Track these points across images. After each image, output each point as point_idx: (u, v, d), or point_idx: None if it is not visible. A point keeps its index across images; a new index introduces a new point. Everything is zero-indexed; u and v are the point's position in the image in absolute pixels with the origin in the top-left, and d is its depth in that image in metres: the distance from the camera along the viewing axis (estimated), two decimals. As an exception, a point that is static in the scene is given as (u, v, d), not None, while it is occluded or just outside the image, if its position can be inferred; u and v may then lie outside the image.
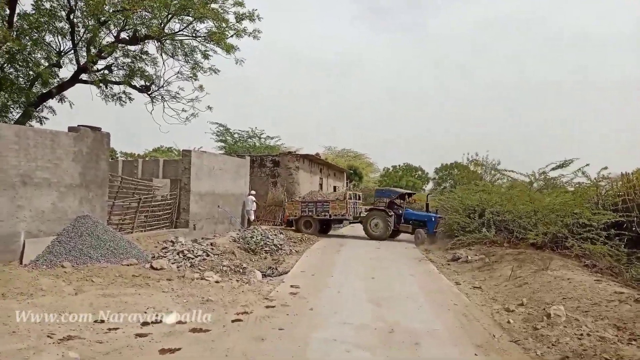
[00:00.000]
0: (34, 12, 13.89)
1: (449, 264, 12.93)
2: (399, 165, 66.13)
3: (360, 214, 21.50)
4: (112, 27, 14.41)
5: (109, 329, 5.95)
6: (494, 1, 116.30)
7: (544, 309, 7.06)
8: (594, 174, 13.91)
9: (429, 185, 61.27)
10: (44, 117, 15.82)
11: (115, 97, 15.95)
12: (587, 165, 13.77)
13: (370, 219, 19.55)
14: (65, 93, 15.43)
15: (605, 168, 13.33)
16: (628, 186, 12.30)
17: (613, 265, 9.99)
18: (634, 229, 11.03)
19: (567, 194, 13.78)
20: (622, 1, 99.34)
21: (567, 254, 11.34)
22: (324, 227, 21.17)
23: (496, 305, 8.17)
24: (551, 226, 12.12)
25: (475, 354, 5.62)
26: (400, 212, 19.82)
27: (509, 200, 14.50)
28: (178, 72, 15.69)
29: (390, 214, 19.48)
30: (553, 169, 16.19)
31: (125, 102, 16.08)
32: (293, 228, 20.52)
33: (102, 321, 6.23)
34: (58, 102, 15.46)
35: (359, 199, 22.56)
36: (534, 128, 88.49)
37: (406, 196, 21.30)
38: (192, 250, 11.09)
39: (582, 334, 5.94)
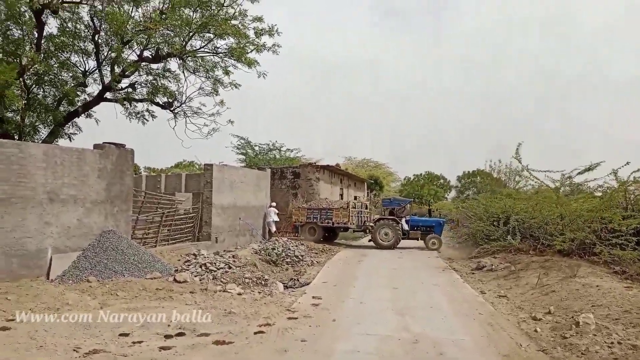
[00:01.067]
0: (59, 34, 14.35)
1: (473, 273, 12.74)
2: (421, 174, 65.62)
3: (365, 222, 21.40)
4: (135, 46, 14.78)
5: (134, 342, 6.01)
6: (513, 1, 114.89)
7: (573, 317, 6.88)
8: (623, 176, 13.46)
9: (452, 194, 60.57)
10: (73, 134, 16.27)
11: (138, 115, 16.31)
12: (628, 163, 13.17)
13: (380, 229, 19.44)
14: (91, 110, 15.86)
15: (638, 170, 12.84)
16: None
17: (644, 272, 9.68)
18: (665, 233, 10.70)
19: (595, 199, 13.42)
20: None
21: (595, 260, 11.04)
22: (329, 235, 21.15)
23: (523, 314, 8.00)
24: (578, 232, 11.82)
25: (502, 364, 5.50)
26: (406, 219, 19.82)
27: (534, 207, 14.21)
28: (199, 88, 16.00)
29: (399, 222, 19.44)
30: (579, 173, 15.79)
31: (148, 120, 16.43)
32: (300, 237, 20.42)
33: (127, 334, 6.31)
34: (86, 117, 15.90)
35: (366, 208, 22.48)
36: (551, 128, 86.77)
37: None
38: (214, 263, 11.17)
39: (612, 343, 5.77)
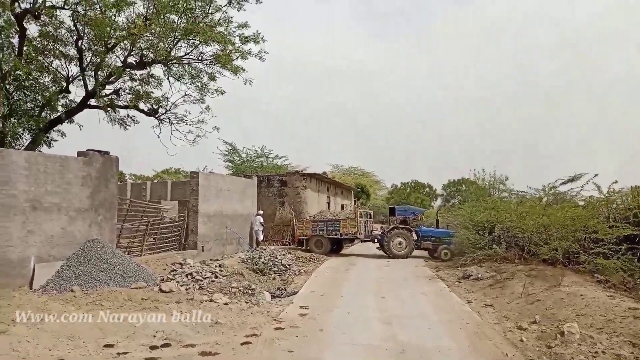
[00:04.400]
0: (40, 38, 14.19)
1: (459, 282, 12.79)
2: (407, 182, 66.07)
3: (371, 232, 21.34)
4: (119, 51, 14.67)
5: (118, 354, 5.92)
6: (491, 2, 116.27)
7: (558, 327, 6.95)
8: (604, 186, 13.78)
9: (437, 202, 61.08)
10: (54, 140, 16.07)
11: (120, 121, 16.15)
12: (596, 175, 13.74)
13: (394, 238, 19.27)
14: (75, 117, 15.68)
15: (616, 182, 13.21)
16: (639, 199, 12.15)
17: (626, 281, 9.82)
18: (646, 242, 10.87)
19: (578, 209, 13.62)
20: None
21: (579, 269, 11.17)
22: (335, 247, 21.01)
23: (508, 323, 8.06)
24: (563, 241, 11.96)
25: (489, 374, 5.53)
26: (416, 230, 19.75)
27: (518, 217, 14.35)
28: (185, 94, 15.90)
29: (412, 231, 19.38)
30: (563, 183, 16.07)
31: (130, 126, 16.28)
32: (304, 248, 20.38)
33: (112, 345, 6.21)
34: (68, 123, 15.70)
35: (370, 217, 22.36)
36: (537, 130, 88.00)
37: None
38: (201, 272, 11.06)
39: (596, 352, 5.84)
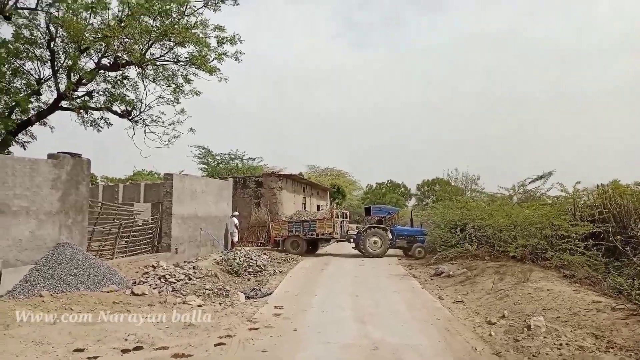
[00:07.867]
0: (13, 39, 13.86)
1: (431, 279, 13.02)
2: (383, 183, 66.64)
3: (347, 232, 21.49)
4: (92, 53, 14.45)
5: (89, 358, 5.86)
6: (471, 18, 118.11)
7: (525, 321, 7.17)
8: (570, 186, 14.31)
9: (412, 201, 61.81)
10: (26, 142, 15.72)
11: (93, 123, 15.91)
12: (551, 171, 15.01)
13: (369, 237, 19.43)
14: (47, 118, 15.37)
15: (579, 182, 13.78)
16: (604, 197, 12.58)
17: (591, 275, 10.15)
18: (610, 238, 11.26)
19: (546, 207, 14.03)
20: (595, 16, 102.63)
21: (547, 265, 11.50)
22: (311, 247, 21.09)
23: (478, 318, 8.26)
24: (531, 238, 12.29)
25: (458, 368, 5.67)
26: (391, 229, 19.97)
27: (489, 215, 14.69)
28: (159, 96, 15.76)
29: (387, 231, 19.57)
30: (532, 181, 16.55)
31: (103, 127, 16.05)
32: (280, 248, 20.38)
33: (82, 350, 6.14)
34: (40, 125, 15.39)
35: (347, 217, 22.51)
36: (514, 140, 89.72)
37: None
38: (174, 275, 10.97)
39: (561, 344, 6.04)
